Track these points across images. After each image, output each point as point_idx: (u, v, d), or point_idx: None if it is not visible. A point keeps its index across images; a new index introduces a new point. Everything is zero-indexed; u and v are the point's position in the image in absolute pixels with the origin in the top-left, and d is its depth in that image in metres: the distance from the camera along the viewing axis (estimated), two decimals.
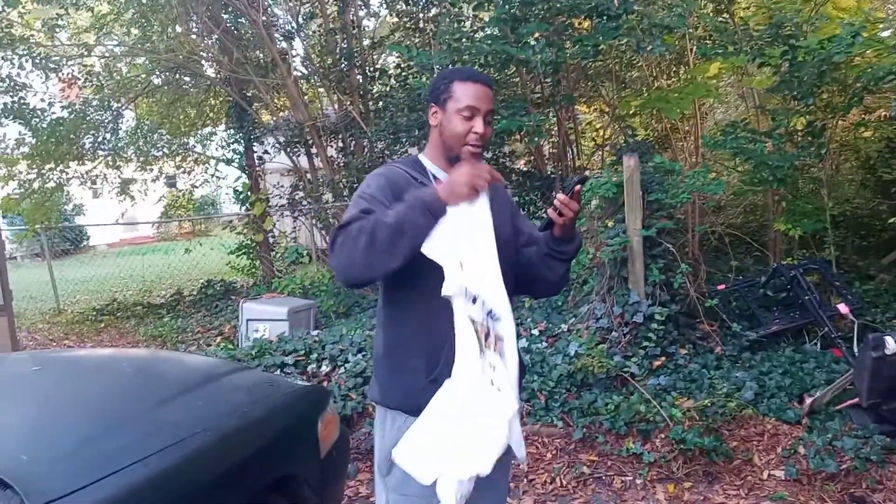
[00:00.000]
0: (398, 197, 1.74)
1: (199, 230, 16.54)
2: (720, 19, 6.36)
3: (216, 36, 8.77)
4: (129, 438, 1.99)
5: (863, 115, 7.65)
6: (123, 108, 10.09)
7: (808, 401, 4.02)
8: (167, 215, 12.55)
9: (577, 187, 1.79)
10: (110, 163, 10.29)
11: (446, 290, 1.66)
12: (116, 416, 2.18)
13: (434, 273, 1.67)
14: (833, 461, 3.48)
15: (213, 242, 11.91)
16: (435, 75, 6.27)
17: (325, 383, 4.67)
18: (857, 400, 3.82)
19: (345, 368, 4.71)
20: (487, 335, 1.69)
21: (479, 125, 1.82)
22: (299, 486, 2.46)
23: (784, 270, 5.16)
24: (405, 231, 1.63)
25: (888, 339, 3.60)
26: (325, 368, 4.82)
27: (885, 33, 7.11)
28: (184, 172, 11.46)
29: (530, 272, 2.04)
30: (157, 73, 9.75)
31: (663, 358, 4.68)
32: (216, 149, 10.96)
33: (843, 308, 4.79)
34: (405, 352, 1.86)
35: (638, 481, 3.71)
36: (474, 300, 1.67)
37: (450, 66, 2.16)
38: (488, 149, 2.25)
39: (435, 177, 1.89)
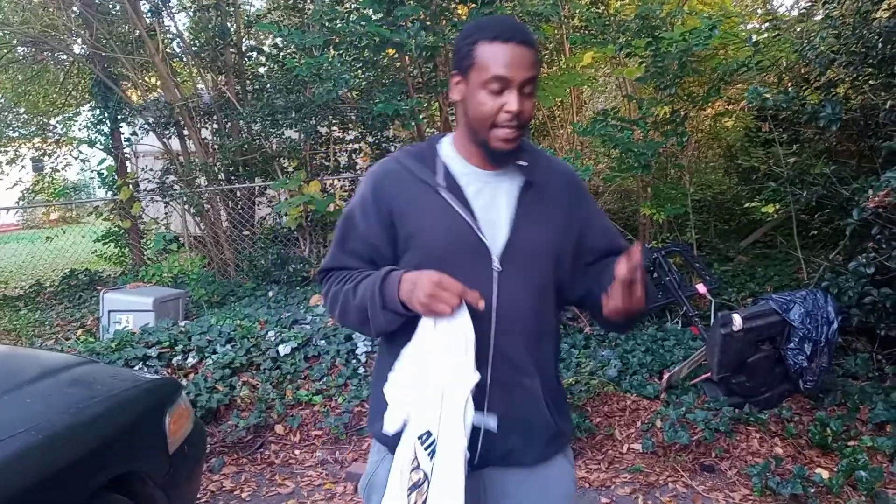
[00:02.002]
0: (385, 209, 1.47)
1: (68, 217, 15.48)
2: (594, 10, 6.54)
3: (76, 8, 8.17)
4: None
5: (726, 106, 8.12)
6: None
7: (666, 376, 4.22)
8: (28, 201, 11.63)
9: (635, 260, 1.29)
10: None
11: (387, 426, 1.37)
12: None
13: None
14: (686, 433, 3.67)
15: (83, 230, 11.15)
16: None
17: (191, 375, 4.47)
18: (709, 374, 4.04)
19: (212, 360, 4.53)
20: (414, 487, 1.32)
21: (512, 101, 1.37)
22: (143, 483, 2.34)
23: (647, 253, 5.38)
24: (368, 321, 1.44)
25: (735, 317, 3.82)
26: (191, 360, 4.61)
27: (750, 26, 7.58)
28: (44, 155, 10.62)
29: (588, 304, 1.58)
30: (11, 47, 8.97)
31: None
32: (79, 130, 10.23)
33: (701, 288, 5.06)
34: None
35: None
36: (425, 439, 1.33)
37: (474, 23, 1.47)
38: (525, 128, 1.46)
39: (448, 170, 1.49)
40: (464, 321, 1.34)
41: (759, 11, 8.35)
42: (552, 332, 1.59)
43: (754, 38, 5.04)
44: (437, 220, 1.45)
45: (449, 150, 1.53)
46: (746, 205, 6.65)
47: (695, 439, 3.69)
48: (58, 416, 2.11)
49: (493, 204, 1.49)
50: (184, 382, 4.31)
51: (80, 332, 6.23)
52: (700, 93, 5.86)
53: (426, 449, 1.32)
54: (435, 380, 1.33)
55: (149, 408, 2.50)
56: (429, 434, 1.32)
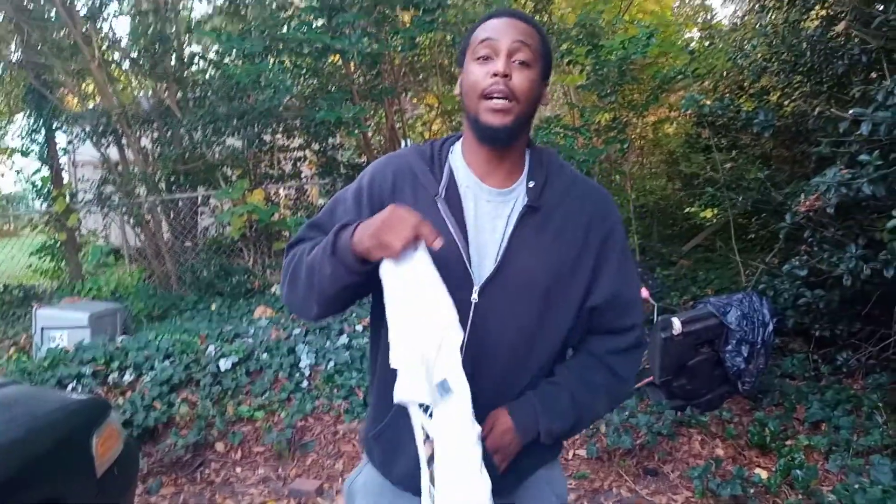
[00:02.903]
0: (378, 204, 1.33)
1: (5, 229, 14.91)
2: (537, 17, 6.61)
3: (5, 13, 7.88)
4: None
5: (667, 113, 8.29)
6: None
7: None
8: None
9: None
10: None
11: (397, 394, 1.19)
12: None
13: None
14: (629, 437, 3.69)
15: (20, 243, 10.75)
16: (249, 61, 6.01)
17: (127, 393, 4.32)
18: (651, 378, 4.08)
19: (150, 377, 4.38)
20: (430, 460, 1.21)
21: (498, 62, 1.25)
22: None
23: None
24: (313, 277, 1.26)
25: (674, 321, 3.88)
26: (128, 377, 4.45)
27: (690, 34, 7.75)
28: None
29: None
30: None
31: None
32: (12, 139, 9.90)
33: (643, 292, 5.13)
34: (370, 390, 1.51)
35: None
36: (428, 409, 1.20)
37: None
38: (527, 106, 1.30)
39: (453, 179, 1.36)
40: (424, 264, 1.19)
41: (698, 21, 8.56)
42: (537, 376, 1.40)
43: (691, 46, 5.14)
44: None
45: (458, 156, 1.40)
46: (687, 210, 6.79)
47: (638, 443, 3.72)
48: None
49: (489, 227, 1.35)
50: (120, 401, 4.17)
51: (12, 350, 5.98)
52: (640, 100, 5.97)
53: (430, 417, 1.20)
54: (417, 337, 1.18)
55: (74, 430, 2.39)
56: (427, 407, 1.19)
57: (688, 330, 3.90)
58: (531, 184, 1.37)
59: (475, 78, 1.28)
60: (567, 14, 7.23)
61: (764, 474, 3.40)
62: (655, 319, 5.03)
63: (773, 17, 4.60)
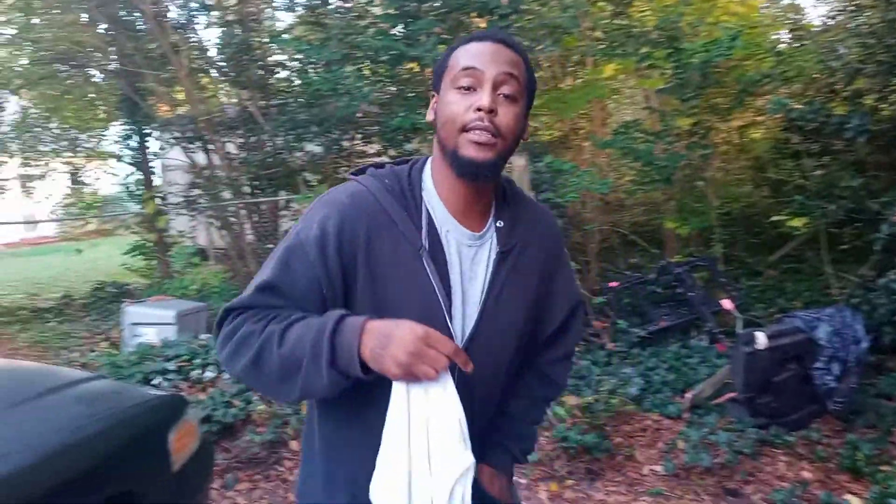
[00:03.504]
0: (349, 253, 1.19)
1: (104, 229, 15.77)
2: (617, 22, 6.48)
3: (104, 26, 8.32)
4: None
5: (754, 118, 7.98)
6: (5, 100, 9.45)
7: (689, 395, 4.10)
8: (61, 214, 11.88)
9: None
10: None
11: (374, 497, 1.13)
12: None
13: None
14: (708, 455, 3.55)
15: (117, 242, 11.36)
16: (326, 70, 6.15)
17: (208, 389, 4.47)
18: (734, 394, 3.92)
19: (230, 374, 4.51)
20: None
21: (483, 96, 1.14)
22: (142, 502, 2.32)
23: (671, 267, 5.28)
24: (297, 379, 1.11)
25: (759, 335, 3.71)
26: (209, 374, 4.61)
27: (778, 35, 7.44)
28: (76, 171, 10.88)
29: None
30: (43, 63, 9.18)
31: None
32: (108, 144, 10.46)
33: (726, 304, 4.93)
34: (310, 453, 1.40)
35: (522, 481, 3.69)
36: None
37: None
38: (510, 143, 1.20)
39: (431, 223, 1.25)
40: (449, 389, 1.10)
41: (787, 21, 8.20)
42: (504, 392, 1.43)
43: (778, 48, 4.92)
44: (412, 294, 1.22)
45: (431, 191, 1.28)
46: (775, 218, 6.50)
47: (718, 462, 3.57)
48: (54, 435, 2.09)
49: (469, 276, 1.28)
50: (201, 396, 4.32)
51: (104, 344, 6.30)
52: (724, 104, 5.76)
53: None
54: (420, 469, 1.10)
55: (152, 425, 2.48)
56: None
57: (774, 345, 3.72)
58: (499, 223, 1.31)
59: (456, 109, 1.16)
60: (647, 17, 7.06)
61: (856, 501, 3.20)
62: (740, 332, 4.84)
63: (868, 16, 4.35)
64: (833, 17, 5.79)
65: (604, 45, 6.23)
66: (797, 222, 5.04)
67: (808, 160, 5.11)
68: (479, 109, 1.14)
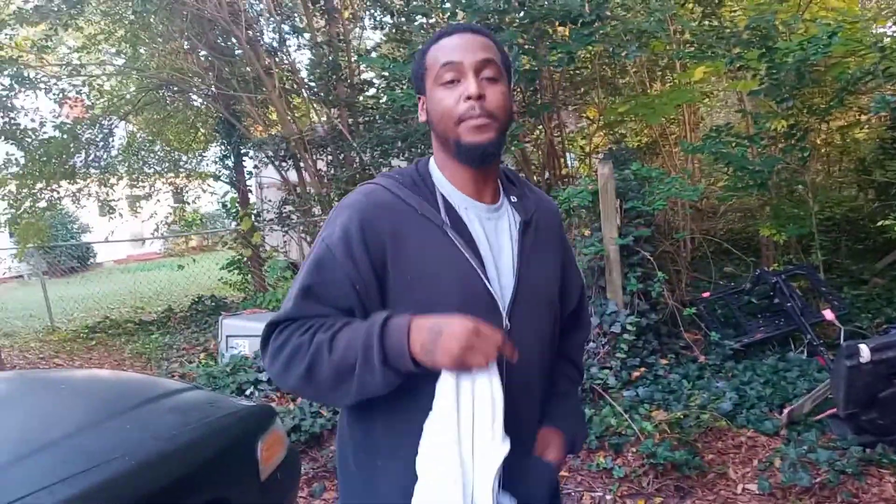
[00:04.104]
0: (378, 247, 1.22)
1: (205, 245, 16.57)
2: (706, 23, 6.28)
3: (204, 53, 8.79)
4: (40, 466, 1.97)
5: (858, 117, 7.55)
6: (114, 125, 10.12)
7: (787, 411, 3.90)
8: (164, 232, 12.56)
9: None
10: (103, 181, 10.34)
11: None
12: (33, 442, 2.13)
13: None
14: (807, 474, 3.36)
15: (217, 257, 11.92)
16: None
17: (297, 400, 4.60)
18: (835, 410, 3.70)
19: None
20: None
21: (469, 85, 1.21)
22: None
23: (767, 276, 5.04)
24: (351, 382, 1.14)
25: (862, 347, 3.49)
26: None
27: (883, 30, 7.02)
28: (177, 191, 11.53)
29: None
30: (148, 90, 9.78)
31: (642, 369, 4.59)
32: (207, 165, 11.02)
33: (828, 314, 4.67)
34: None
35: (608, 497, 3.60)
36: None
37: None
38: (504, 120, 1.27)
39: (448, 203, 1.29)
40: (494, 380, 1.14)
41: (890, 15, 7.72)
42: (546, 378, 1.45)
43: (882, 43, 4.63)
44: (446, 267, 1.24)
45: (441, 179, 1.33)
46: (881, 223, 6.10)
47: (818, 481, 3.37)
48: (152, 443, 2.20)
49: (497, 246, 1.32)
50: (291, 406, 4.45)
51: (202, 355, 6.59)
52: (822, 104, 5.46)
53: None
54: (458, 458, 1.12)
55: (242, 435, 2.58)
56: None
57: (878, 358, 3.48)
58: (513, 199, 1.38)
59: (447, 105, 1.23)
60: (738, 17, 6.80)
61: None
62: (841, 344, 4.56)
63: None
64: None
65: (693, 48, 6.05)
66: None
67: None
68: (468, 98, 1.21)
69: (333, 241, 1.23)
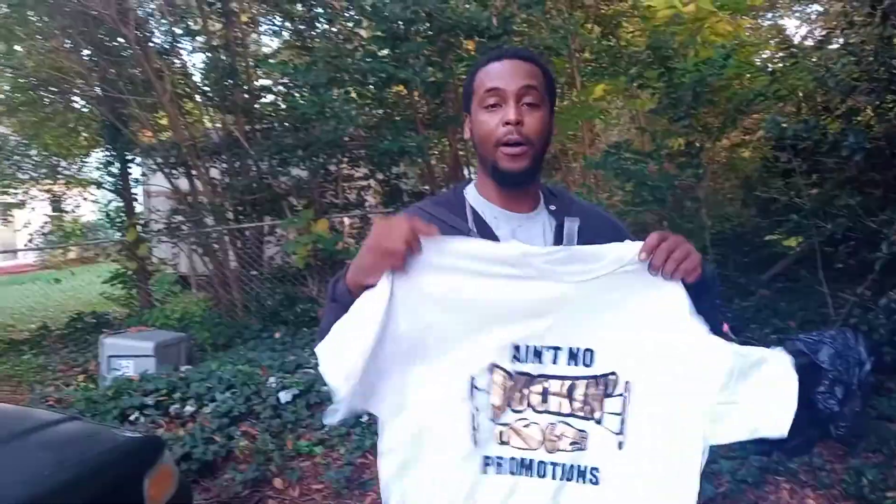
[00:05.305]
0: None
1: (85, 257, 15.53)
2: (605, 42, 6.45)
3: (87, 52, 8.21)
4: None
5: (743, 137, 7.95)
6: None
7: None
8: (40, 242, 11.66)
9: None
10: None
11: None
12: None
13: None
14: (710, 485, 3.42)
15: (98, 270, 11.15)
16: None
17: (188, 425, 4.29)
18: None
19: (211, 408, 4.35)
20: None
21: (509, 111, 1.28)
22: None
23: None
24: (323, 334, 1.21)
25: None
26: (189, 408, 4.43)
27: (766, 55, 7.43)
28: (55, 199, 10.73)
29: None
30: (24, 90, 9.06)
31: None
32: (90, 171, 10.32)
33: (723, 327, 4.81)
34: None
35: None
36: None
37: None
38: (541, 145, 1.36)
39: (476, 214, 1.39)
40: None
41: (774, 41, 8.22)
42: None
43: (770, 67, 4.87)
44: None
45: (475, 196, 1.43)
46: (767, 237, 6.43)
47: (720, 492, 3.44)
48: (19, 488, 1.93)
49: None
50: (181, 432, 4.14)
51: (81, 377, 6.10)
52: (715, 123, 5.69)
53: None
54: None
55: (126, 472, 2.33)
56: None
57: None
58: (552, 207, 1.43)
59: (488, 128, 1.31)
60: (636, 37, 7.04)
61: None
62: None
63: (864, 32, 4.31)
64: (826, 35, 5.77)
65: (593, 66, 6.18)
66: (792, 241, 4.95)
67: (799, 178, 5.03)
68: (507, 123, 1.29)
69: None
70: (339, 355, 1.13)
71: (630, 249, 1.17)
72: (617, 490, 1.18)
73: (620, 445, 1.18)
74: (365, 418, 4.30)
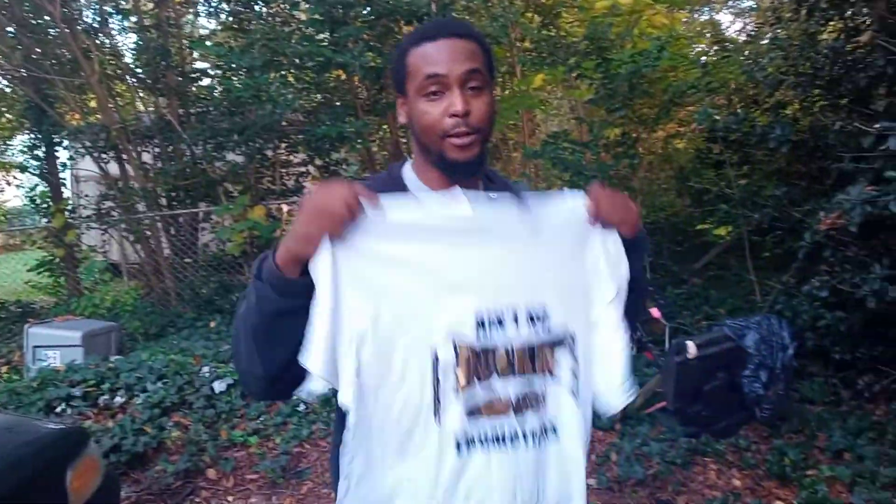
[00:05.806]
0: None
1: (10, 244, 14.85)
2: (545, 32, 6.49)
3: (10, 29, 7.81)
4: None
5: (677, 128, 8.13)
6: None
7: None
8: None
9: None
10: None
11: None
12: None
13: None
14: (640, 467, 3.50)
15: (23, 258, 10.67)
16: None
17: (118, 416, 4.16)
18: (664, 403, 3.89)
19: (142, 399, 4.22)
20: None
21: (455, 101, 1.16)
22: None
23: None
24: (247, 321, 1.13)
25: (689, 344, 3.68)
26: (119, 399, 4.30)
27: (699, 48, 7.60)
28: None
29: None
30: None
31: None
32: (13, 154, 9.86)
33: (654, 312, 4.93)
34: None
35: None
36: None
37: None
38: (489, 129, 1.24)
39: (411, 190, 1.30)
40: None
41: (708, 35, 8.42)
42: None
43: (703, 60, 5.00)
44: None
45: (413, 180, 1.30)
46: (699, 226, 6.62)
47: (650, 473, 3.53)
48: None
49: None
50: (110, 424, 4.01)
51: (5, 369, 5.84)
52: (651, 115, 5.81)
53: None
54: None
55: (47, 465, 2.24)
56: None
57: (703, 353, 3.70)
58: (492, 195, 1.28)
59: (432, 119, 1.18)
60: (575, 27, 7.11)
61: None
62: (667, 340, 4.85)
63: (790, 28, 4.45)
64: (756, 30, 5.94)
65: (532, 56, 6.22)
66: (722, 231, 5.10)
67: (730, 169, 5.19)
68: (454, 115, 1.16)
69: None
70: (310, 343, 1.06)
71: (575, 196, 1.20)
72: (571, 437, 1.19)
73: (574, 394, 1.19)
74: (301, 407, 4.26)
